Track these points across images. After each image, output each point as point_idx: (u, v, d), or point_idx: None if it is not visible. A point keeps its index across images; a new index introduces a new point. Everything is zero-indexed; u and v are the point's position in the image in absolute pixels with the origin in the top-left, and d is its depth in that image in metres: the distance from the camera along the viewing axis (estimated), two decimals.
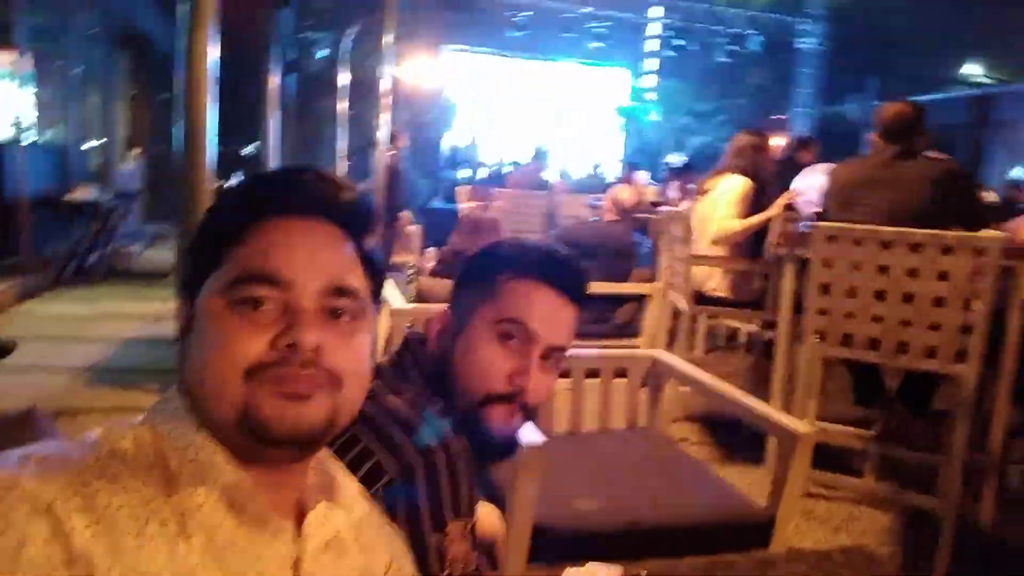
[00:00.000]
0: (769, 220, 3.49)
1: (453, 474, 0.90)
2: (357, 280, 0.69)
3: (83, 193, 6.41)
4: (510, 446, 1.06)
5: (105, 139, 8.38)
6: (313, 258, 0.66)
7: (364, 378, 0.71)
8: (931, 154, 2.91)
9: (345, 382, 0.66)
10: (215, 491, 0.62)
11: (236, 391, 0.62)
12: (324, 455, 0.77)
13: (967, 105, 14.51)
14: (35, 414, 1.08)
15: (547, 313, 1.03)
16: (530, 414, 1.05)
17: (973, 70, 16.62)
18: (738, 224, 3.53)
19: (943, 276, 2.27)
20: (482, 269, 1.08)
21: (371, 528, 0.77)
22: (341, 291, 0.67)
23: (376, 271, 0.73)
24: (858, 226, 2.44)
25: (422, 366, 1.05)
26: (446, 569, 0.88)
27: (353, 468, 0.83)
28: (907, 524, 2.54)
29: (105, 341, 4.32)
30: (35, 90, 6.51)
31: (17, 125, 5.81)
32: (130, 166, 9.19)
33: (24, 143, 5.85)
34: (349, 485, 0.78)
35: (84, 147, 7.95)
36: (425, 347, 1.08)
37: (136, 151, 9.56)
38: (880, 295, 2.37)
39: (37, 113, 6.67)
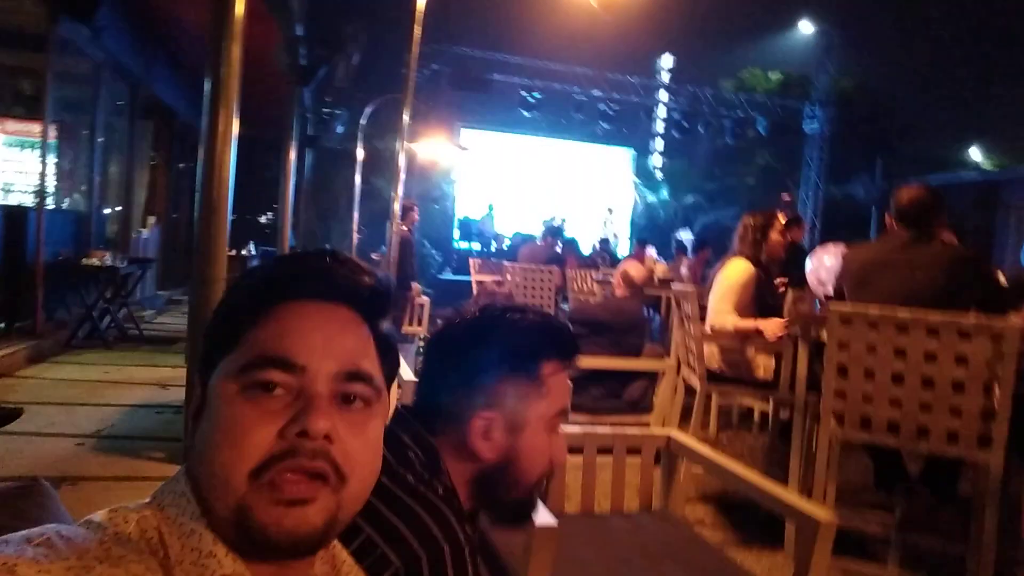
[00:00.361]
0: (759, 329, 3.39)
1: (459, 565, 0.87)
2: (372, 365, 0.69)
3: (99, 258, 6.49)
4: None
5: (124, 206, 8.54)
6: (328, 343, 0.66)
7: (372, 473, 0.69)
8: (947, 238, 2.90)
9: (351, 478, 0.64)
10: None
11: (237, 492, 0.61)
12: (332, 543, 0.74)
13: (973, 188, 14.71)
14: (38, 486, 1.06)
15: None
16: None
17: (977, 154, 16.95)
18: (730, 324, 3.43)
19: (962, 360, 2.25)
20: (524, 361, 1.05)
21: None
22: (356, 376, 0.66)
23: (391, 355, 0.73)
24: (873, 308, 2.43)
25: (422, 445, 1.01)
26: None
27: (357, 559, 0.80)
28: None
29: (113, 407, 4.29)
30: (57, 159, 6.69)
31: (39, 191, 5.94)
32: (147, 233, 9.34)
33: (44, 209, 5.97)
34: (355, 574, 0.76)
35: (103, 212, 8.10)
36: (413, 421, 1.04)
37: (153, 218, 9.74)
38: (898, 378, 2.35)
39: (58, 180, 6.83)
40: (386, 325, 0.73)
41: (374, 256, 8.08)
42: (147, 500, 0.65)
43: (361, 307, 0.70)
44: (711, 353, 3.51)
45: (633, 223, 16.74)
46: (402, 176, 5.31)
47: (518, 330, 1.07)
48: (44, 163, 5.95)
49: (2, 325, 5.63)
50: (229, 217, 3.48)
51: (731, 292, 3.50)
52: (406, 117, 5.24)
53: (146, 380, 4.96)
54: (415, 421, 1.04)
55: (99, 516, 0.61)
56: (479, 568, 0.90)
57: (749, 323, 3.37)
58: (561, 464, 1.06)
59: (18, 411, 2.94)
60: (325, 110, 12.18)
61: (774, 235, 3.56)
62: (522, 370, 1.05)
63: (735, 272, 3.55)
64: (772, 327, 3.29)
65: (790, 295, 3.87)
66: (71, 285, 6.51)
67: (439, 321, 1.11)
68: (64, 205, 7.10)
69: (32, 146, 6.32)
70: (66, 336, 6.14)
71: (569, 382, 1.08)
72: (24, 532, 0.57)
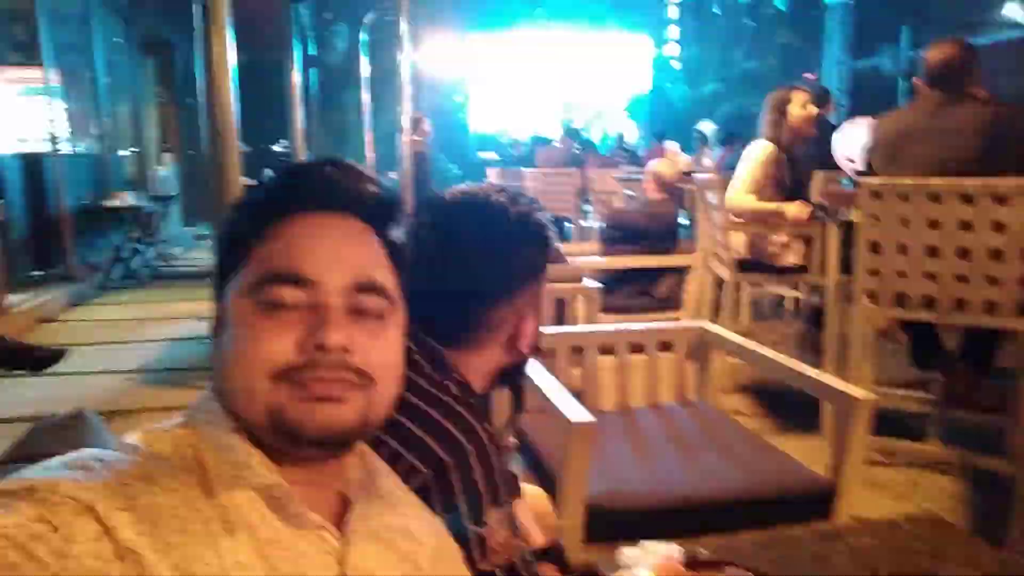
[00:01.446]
0: (780, 212, 3.30)
1: (485, 464, 0.89)
2: (384, 275, 0.68)
3: (121, 199, 6.55)
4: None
5: (137, 146, 8.52)
6: (337, 255, 0.65)
7: (397, 374, 0.69)
8: (981, 94, 2.71)
9: (378, 379, 0.65)
10: (253, 492, 0.61)
11: (264, 394, 0.61)
12: (363, 448, 0.76)
13: (1012, 48, 13.93)
14: (84, 415, 1.09)
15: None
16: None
17: (1014, 11, 15.95)
18: (749, 204, 3.33)
19: (999, 227, 2.17)
20: (541, 257, 1.08)
21: (414, 518, 0.76)
22: (368, 287, 0.65)
23: (404, 264, 0.71)
24: (905, 179, 2.34)
25: (422, 346, 0.98)
26: (489, 559, 0.86)
27: None
28: (975, 488, 2.45)
29: (154, 342, 4.42)
30: (65, 104, 6.63)
31: (51, 138, 5.93)
32: (164, 170, 9.35)
33: (59, 155, 5.97)
34: (389, 477, 0.78)
35: (119, 154, 8.10)
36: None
37: (169, 156, 9.72)
38: (933, 251, 2.29)
39: (69, 125, 6.80)
40: (396, 233, 0.71)
41: (392, 175, 8.01)
42: (178, 420, 0.66)
43: (368, 216, 0.68)
44: (738, 242, 3.45)
45: (651, 116, 16.28)
46: (408, 89, 5.16)
47: (529, 226, 1.04)
48: (50, 108, 5.91)
49: (39, 273, 5.75)
50: (239, 146, 3.45)
51: (748, 172, 3.41)
52: (405, 25, 5.04)
53: (183, 314, 5.06)
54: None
55: (133, 437, 0.62)
56: (504, 462, 0.91)
57: (769, 205, 3.30)
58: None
59: (61, 352, 3.04)
60: (325, 28, 11.83)
61: (795, 111, 3.41)
62: (540, 265, 1.05)
63: (753, 153, 3.44)
64: (794, 210, 3.21)
65: (819, 176, 3.76)
66: (98, 228, 6.59)
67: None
68: (79, 150, 7.09)
69: (37, 92, 6.26)
70: (100, 279, 6.27)
71: None
72: (62, 457, 0.59)
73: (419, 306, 0.78)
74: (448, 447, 0.87)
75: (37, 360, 3.01)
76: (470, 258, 1.00)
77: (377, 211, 0.69)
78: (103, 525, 0.52)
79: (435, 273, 0.97)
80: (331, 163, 0.70)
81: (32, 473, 0.55)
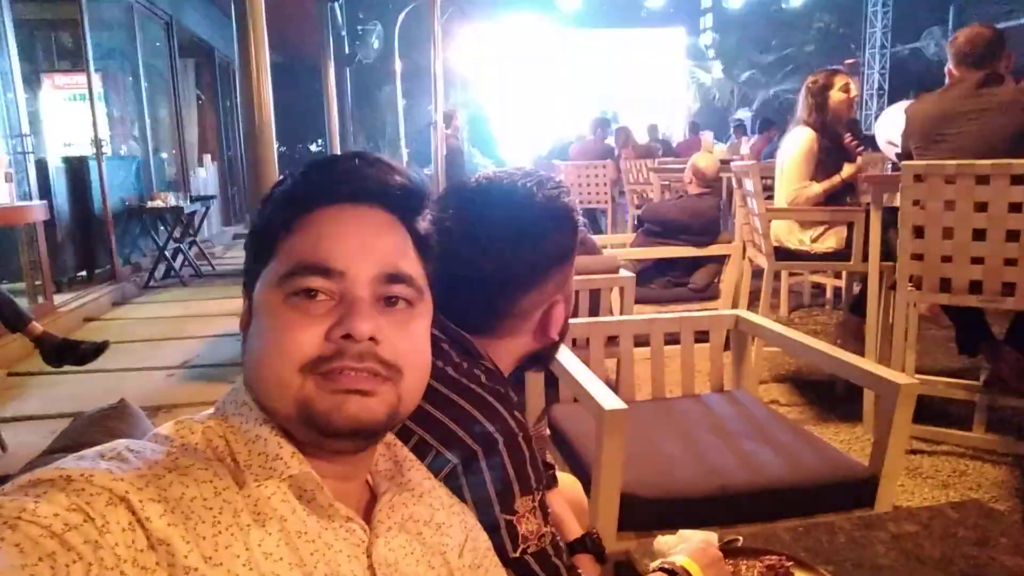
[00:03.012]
0: (843, 180, 3.26)
1: (515, 453, 0.87)
2: (411, 265, 0.68)
3: (163, 200, 6.69)
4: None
5: (178, 147, 8.70)
6: (364, 246, 0.65)
7: (425, 366, 0.69)
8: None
9: (405, 371, 0.65)
10: (283, 483, 0.62)
11: (293, 386, 0.61)
12: (390, 439, 0.76)
13: None
14: (126, 406, 1.12)
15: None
16: None
17: None
18: (813, 191, 3.27)
19: None
20: (570, 240, 1.05)
21: (442, 509, 0.76)
22: (395, 278, 0.65)
23: (431, 255, 0.71)
24: (950, 162, 2.27)
25: (449, 334, 0.97)
26: (520, 547, 0.85)
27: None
28: (1021, 476, 2.37)
29: (196, 339, 4.51)
30: (107, 107, 6.81)
31: (94, 141, 6.09)
32: (204, 172, 9.53)
33: (103, 158, 6.13)
34: (417, 467, 0.78)
35: (160, 156, 8.28)
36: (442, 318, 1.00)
37: (208, 156, 9.92)
38: (979, 234, 2.21)
39: (111, 128, 6.98)
40: (423, 224, 0.71)
41: (427, 172, 8.06)
42: (210, 412, 0.67)
43: (395, 207, 0.69)
44: (778, 229, 3.39)
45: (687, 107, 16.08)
46: (440, 85, 5.17)
47: (557, 210, 1.01)
48: (94, 112, 6.07)
49: (84, 274, 5.91)
50: (275, 146, 3.50)
51: (795, 166, 3.34)
52: (436, 21, 5.06)
53: (224, 312, 5.16)
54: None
55: (166, 429, 0.63)
56: (534, 449, 0.90)
57: (833, 180, 3.26)
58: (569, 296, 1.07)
59: (104, 344, 3.12)
60: (359, 27, 11.93)
61: (835, 94, 3.33)
62: (568, 249, 1.03)
63: (796, 143, 3.37)
64: (849, 170, 3.21)
65: (859, 160, 3.67)
66: (141, 229, 6.76)
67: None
68: (121, 152, 7.27)
69: (82, 98, 6.44)
70: (144, 278, 6.42)
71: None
72: (98, 447, 0.60)
73: (447, 293, 0.78)
74: (477, 436, 0.86)
75: (82, 354, 3.09)
76: (497, 244, 0.97)
77: (404, 202, 0.69)
78: (136, 516, 0.53)
79: (462, 260, 0.95)
80: (357, 156, 0.70)
81: (68, 463, 0.56)
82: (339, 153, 0.73)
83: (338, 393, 0.61)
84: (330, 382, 0.61)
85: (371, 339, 0.62)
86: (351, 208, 0.67)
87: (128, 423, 1.08)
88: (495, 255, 0.97)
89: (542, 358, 1.08)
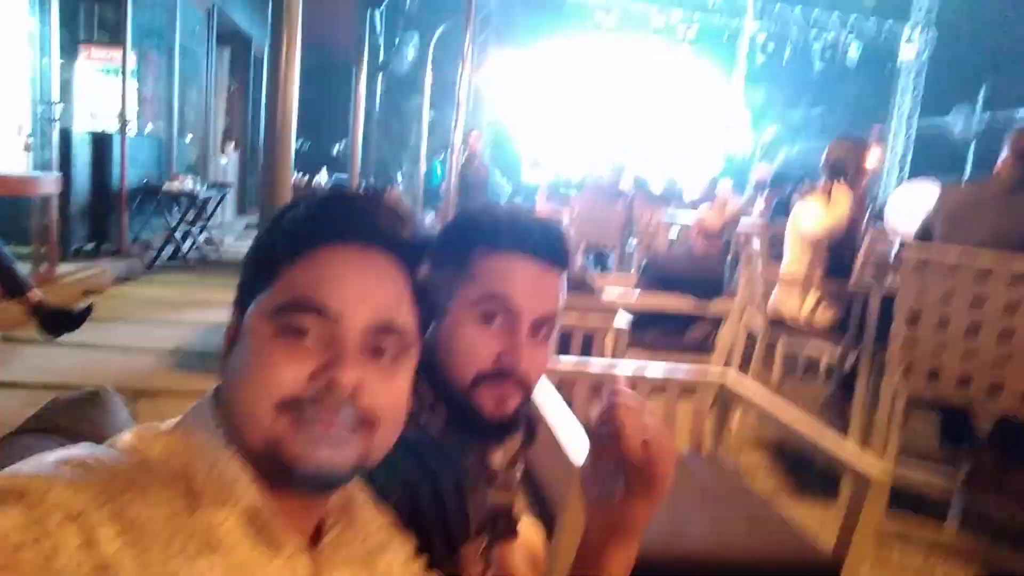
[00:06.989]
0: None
1: (460, 496, 0.88)
2: (406, 316, 0.68)
3: (180, 183, 6.74)
4: (508, 427, 0.98)
5: (203, 132, 8.78)
6: (363, 293, 0.65)
7: (400, 419, 0.69)
8: None
9: (380, 425, 0.65)
10: (236, 512, 0.62)
11: (266, 421, 0.62)
12: None
13: None
14: (103, 393, 1.11)
15: (529, 284, 0.94)
16: (529, 393, 0.98)
17: None
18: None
19: None
20: (455, 246, 0.95)
21: (388, 547, 0.76)
22: (388, 329, 0.66)
23: (426, 303, 0.72)
24: (952, 252, 2.27)
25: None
26: None
27: None
28: None
29: (192, 326, 4.51)
30: (138, 85, 6.88)
31: (121, 118, 6.15)
32: (225, 159, 9.61)
33: (128, 135, 6.19)
34: (367, 503, 0.78)
35: (184, 139, 8.35)
36: None
37: (231, 144, 9.99)
38: (973, 329, 2.21)
39: (140, 107, 7.05)
40: (423, 272, 0.72)
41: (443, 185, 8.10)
42: (175, 421, 0.67)
43: (400, 254, 0.69)
44: (776, 298, 3.39)
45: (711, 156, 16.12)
46: (464, 105, 5.21)
47: (462, 220, 1.00)
48: (124, 88, 6.14)
49: (91, 246, 5.95)
50: (294, 142, 3.53)
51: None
52: (469, 40, 5.11)
53: (224, 302, 5.09)
54: None
55: (128, 437, 0.63)
56: (487, 497, 0.90)
57: None
58: (536, 373, 0.95)
59: (88, 307, 3.15)
60: (396, 36, 12.05)
61: (865, 166, 3.36)
62: (452, 255, 0.94)
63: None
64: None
65: (869, 234, 3.67)
66: (154, 209, 6.80)
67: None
68: (146, 131, 7.34)
69: (115, 72, 6.51)
70: (150, 258, 6.46)
71: (516, 271, 0.93)
72: (62, 452, 0.59)
73: None
74: (423, 478, 0.87)
75: (74, 319, 3.13)
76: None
77: (409, 250, 0.70)
78: (87, 536, 0.53)
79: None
80: (372, 197, 0.71)
81: (27, 469, 0.56)
82: (354, 191, 0.74)
83: (310, 441, 0.61)
84: (304, 426, 0.61)
85: (354, 388, 0.62)
86: (358, 251, 0.67)
87: (105, 411, 1.07)
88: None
89: (439, 398, 0.97)
